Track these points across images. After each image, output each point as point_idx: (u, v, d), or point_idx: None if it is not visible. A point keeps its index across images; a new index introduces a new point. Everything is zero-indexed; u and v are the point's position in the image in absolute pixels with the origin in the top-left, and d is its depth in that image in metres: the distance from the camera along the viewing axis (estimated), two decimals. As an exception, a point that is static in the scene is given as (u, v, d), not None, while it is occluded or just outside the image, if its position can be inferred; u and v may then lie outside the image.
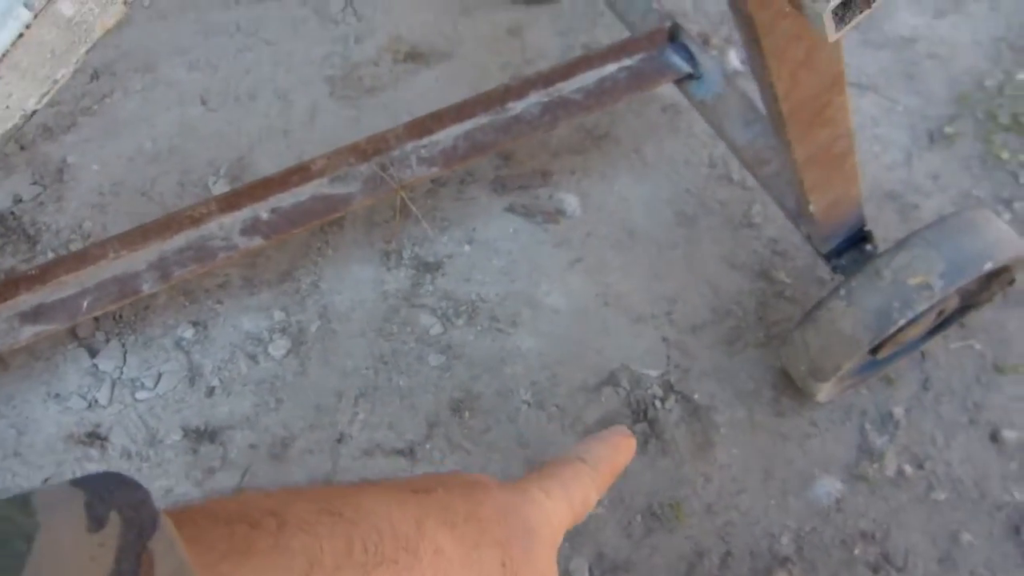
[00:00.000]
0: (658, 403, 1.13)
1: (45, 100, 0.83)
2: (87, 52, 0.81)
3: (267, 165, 1.34)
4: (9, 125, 0.82)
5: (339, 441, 1.09)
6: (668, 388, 1.14)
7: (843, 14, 0.48)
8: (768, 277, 1.25)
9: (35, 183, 1.31)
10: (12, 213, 1.28)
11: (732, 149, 1.19)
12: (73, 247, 1.26)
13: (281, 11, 1.56)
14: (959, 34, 1.59)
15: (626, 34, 1.45)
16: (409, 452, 1.08)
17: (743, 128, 1.15)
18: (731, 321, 1.21)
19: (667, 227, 1.31)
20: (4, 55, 0.76)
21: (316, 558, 0.23)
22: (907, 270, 0.93)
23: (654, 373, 1.15)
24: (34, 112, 0.84)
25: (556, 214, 1.31)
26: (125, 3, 0.78)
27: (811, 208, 0.94)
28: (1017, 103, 1.47)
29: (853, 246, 1.07)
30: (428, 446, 1.09)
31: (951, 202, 1.35)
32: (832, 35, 0.48)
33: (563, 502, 0.36)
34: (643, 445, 1.09)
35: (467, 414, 1.11)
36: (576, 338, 1.18)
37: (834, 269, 1.08)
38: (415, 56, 1.52)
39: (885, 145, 1.42)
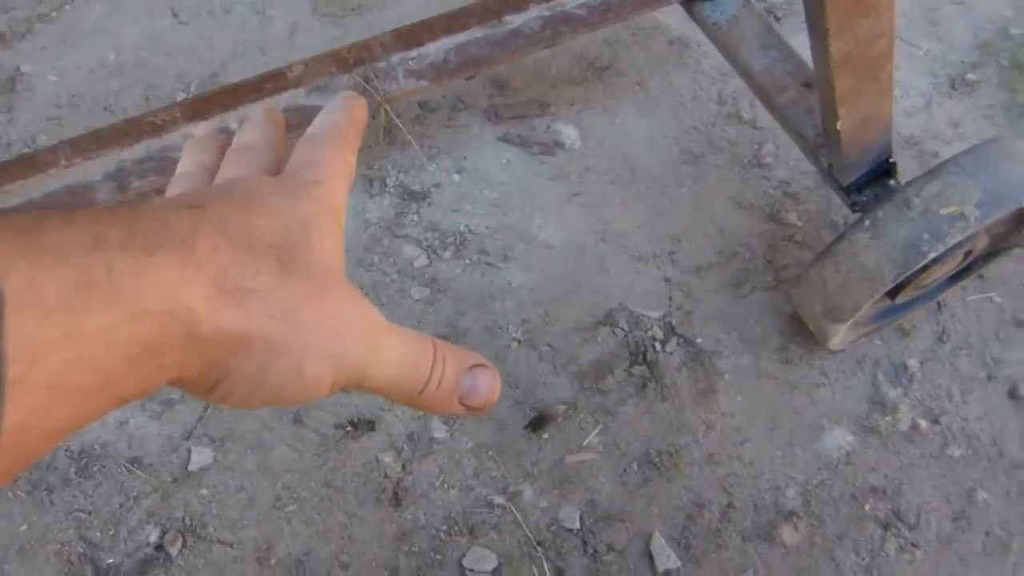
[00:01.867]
0: (658, 346, 1.05)
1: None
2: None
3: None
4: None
5: (311, 375, 1.01)
6: (669, 330, 1.06)
7: None
8: (778, 219, 1.17)
9: (-15, 92, 1.21)
10: (-42, 122, 1.18)
11: (745, 76, 1.10)
12: (25, 161, 1.16)
13: (261, -77, 1.45)
14: (983, -21, 1.52)
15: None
16: (387, 389, 1.00)
17: (759, 52, 1.06)
18: (738, 263, 1.13)
19: (672, 165, 1.23)
20: None
21: (101, 235, 0.24)
22: (940, 199, 0.85)
23: (655, 315, 1.07)
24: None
25: (553, 146, 1.23)
26: None
27: (839, 125, 0.86)
28: (1043, 51, 1.40)
29: (876, 180, 0.99)
30: (408, 383, 1.00)
31: (972, 150, 1.27)
32: None
33: (333, 181, 0.37)
34: (641, 389, 1.02)
35: (451, 351, 1.03)
36: (571, 276, 1.10)
37: (853, 206, 1.01)
38: (405, -25, 1.42)
39: (905, 90, 1.34)
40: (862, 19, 0.73)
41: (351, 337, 0.32)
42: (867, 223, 0.89)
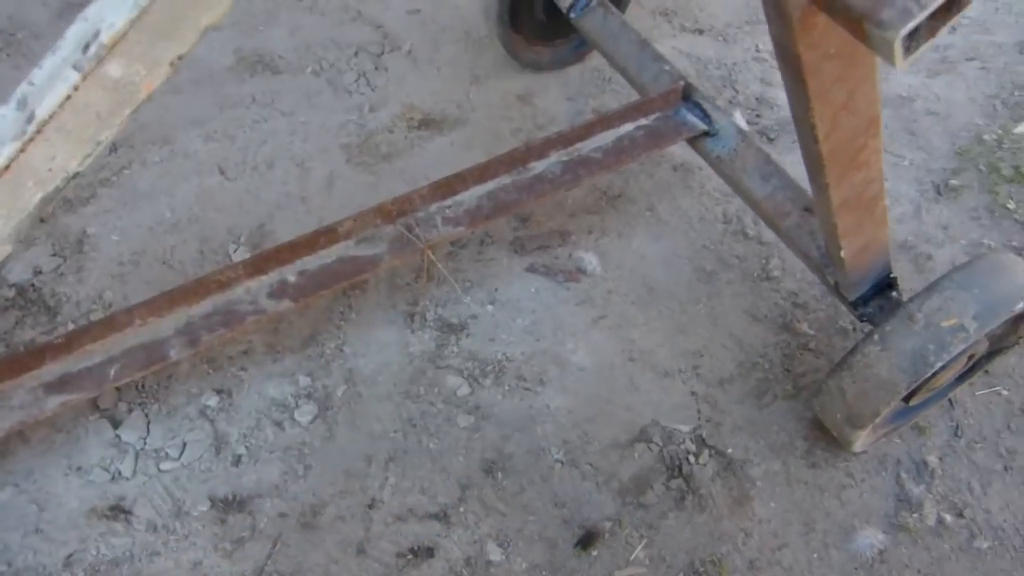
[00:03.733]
0: (692, 458, 1.11)
1: (88, 162, 0.83)
2: (131, 113, 0.82)
3: (287, 232, 1.35)
4: (51, 188, 0.82)
5: (370, 507, 1.06)
6: (701, 443, 1.13)
7: (908, 44, 0.49)
8: (791, 329, 1.25)
9: (55, 255, 1.30)
10: (32, 285, 1.27)
11: (750, 203, 1.20)
12: (94, 318, 1.24)
13: (296, 83, 1.59)
14: (954, 92, 1.64)
15: (636, 98, 1.48)
16: (443, 516, 1.05)
17: (761, 182, 1.16)
18: (758, 374, 1.20)
19: (687, 283, 1.31)
20: (51, 117, 0.76)
21: None
22: (940, 313, 0.93)
23: (685, 428, 1.14)
24: (76, 174, 0.84)
25: (576, 272, 1.32)
26: (171, 65, 0.79)
27: (842, 253, 0.94)
28: (1018, 155, 1.51)
29: (879, 293, 1.07)
30: (462, 509, 1.06)
31: (963, 251, 1.36)
32: (901, 63, 0.49)
33: None
34: (680, 501, 1.07)
35: (500, 475, 1.09)
36: (604, 395, 1.17)
37: (860, 317, 1.08)
38: (429, 123, 1.54)
39: (895, 198, 1.44)
40: (856, 172, 0.82)
41: None
42: (877, 337, 0.96)
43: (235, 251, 1.32)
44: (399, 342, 1.22)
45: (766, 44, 1.79)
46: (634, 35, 1.37)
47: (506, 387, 1.17)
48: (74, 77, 0.74)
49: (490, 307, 1.26)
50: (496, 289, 1.29)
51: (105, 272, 1.29)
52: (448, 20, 1.75)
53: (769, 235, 1.37)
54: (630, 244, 1.36)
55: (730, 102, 1.64)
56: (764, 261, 1.34)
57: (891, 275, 1.06)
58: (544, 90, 1.63)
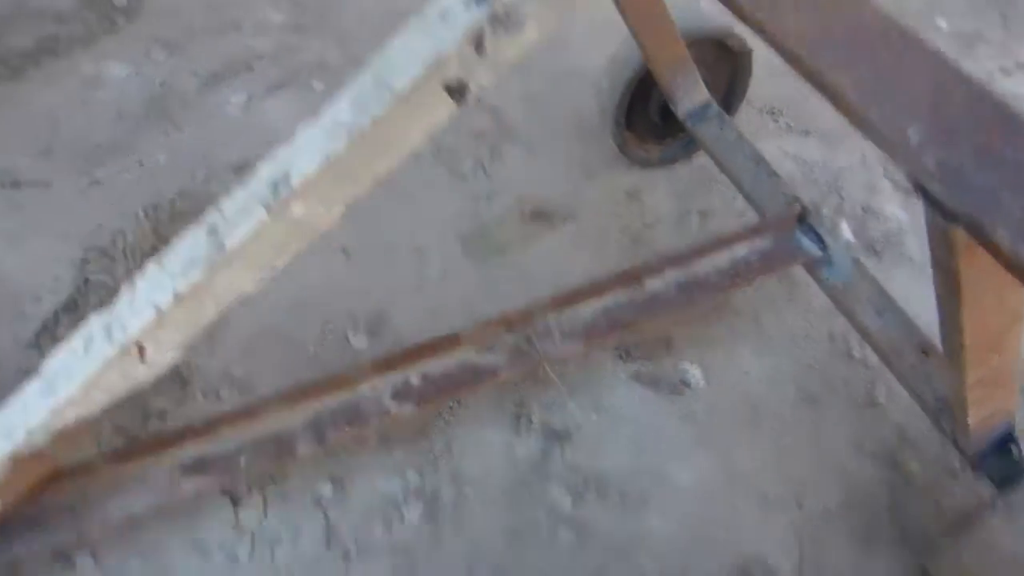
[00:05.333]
0: (793, 599, 1.08)
1: (260, 285, 0.87)
2: (305, 244, 0.85)
3: (403, 320, 1.37)
4: (224, 306, 0.86)
5: (472, 617, 1.07)
6: (802, 582, 1.10)
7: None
8: (897, 466, 1.21)
9: (189, 326, 1.36)
10: (167, 355, 1.32)
11: (862, 334, 1.17)
12: (223, 391, 1.28)
13: (415, 168, 1.62)
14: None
15: (740, 201, 1.47)
16: (542, 634, 1.05)
17: (875, 316, 1.13)
18: (863, 514, 1.16)
19: (791, 404, 1.29)
20: (238, 248, 0.80)
21: None
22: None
23: (787, 566, 1.11)
24: (246, 295, 0.88)
25: (680, 385, 1.30)
26: (347, 205, 0.82)
27: (969, 421, 0.92)
28: None
29: (999, 448, 1.04)
30: (561, 630, 1.06)
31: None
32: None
33: None
34: (780, 644, 1.05)
35: (600, 598, 1.08)
36: (705, 520, 1.15)
37: (976, 469, 1.05)
38: (541, 216, 1.56)
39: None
40: (994, 355, 0.80)
41: None
42: (1001, 506, 0.93)
43: (354, 335, 1.35)
44: (505, 445, 1.22)
45: (874, 150, 1.75)
46: (750, 149, 1.36)
47: (608, 504, 1.16)
48: (262, 214, 0.77)
49: (594, 416, 1.26)
50: (601, 396, 1.28)
51: (234, 346, 1.34)
52: (562, 110, 1.77)
53: (875, 358, 1.33)
54: (734, 358, 1.34)
55: (835, 210, 1.61)
56: (870, 386, 1.31)
57: (1014, 434, 1.02)
58: (652, 187, 1.63)
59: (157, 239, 1.51)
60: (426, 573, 1.09)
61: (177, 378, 1.29)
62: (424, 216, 1.53)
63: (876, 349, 1.16)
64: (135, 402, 1.27)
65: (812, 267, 1.23)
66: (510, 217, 1.54)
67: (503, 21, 0.60)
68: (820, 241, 1.23)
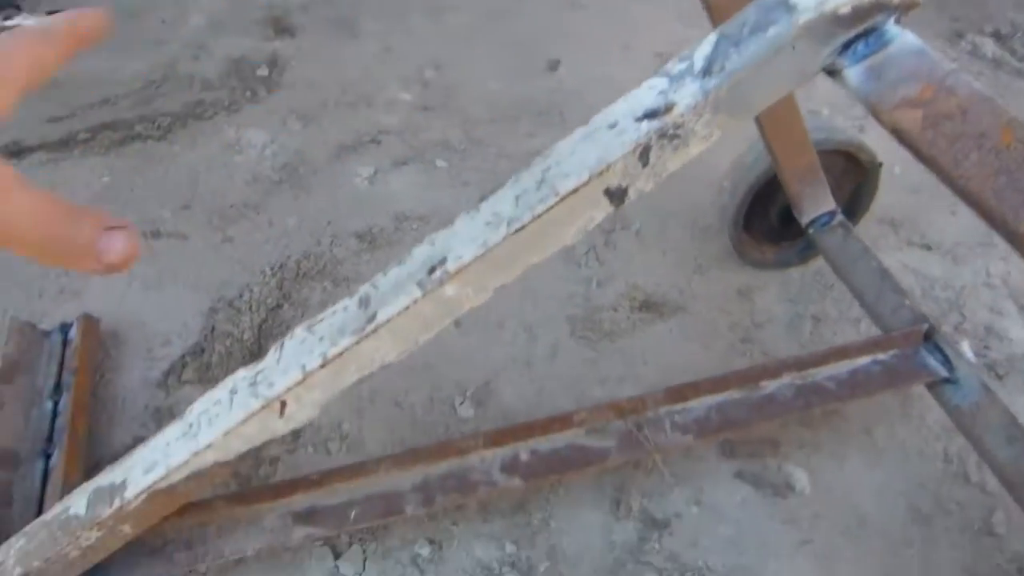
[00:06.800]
0: None
1: (403, 356, 0.96)
2: (450, 323, 0.95)
3: (509, 393, 1.46)
4: (365, 372, 0.96)
5: None
6: None
7: None
8: (1013, 597, 1.20)
9: (306, 380, 1.47)
10: (284, 406, 1.44)
11: (988, 461, 1.18)
12: (331, 444, 1.39)
13: (532, 249, 1.73)
14: None
15: (856, 309, 1.51)
16: None
17: (1005, 444, 1.15)
18: (973, 640, 1.16)
19: (900, 522, 1.30)
20: (388, 321, 0.91)
21: None
22: None
23: None
24: (388, 364, 0.98)
25: (785, 488, 1.33)
26: (495, 290, 0.92)
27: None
28: None
29: None
30: None
31: None
32: None
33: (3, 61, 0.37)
34: None
35: None
36: (806, 629, 1.17)
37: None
38: (650, 306, 1.64)
39: None
40: None
41: None
42: None
43: (460, 404, 1.45)
44: (603, 527, 1.28)
45: (998, 269, 1.77)
46: (875, 263, 1.41)
47: (705, 599, 1.20)
48: (416, 292, 0.88)
49: (695, 508, 1.30)
50: (702, 490, 1.33)
51: (345, 405, 1.45)
52: (677, 205, 1.87)
53: (994, 484, 1.33)
54: (842, 467, 1.37)
55: (956, 328, 1.63)
56: (987, 513, 1.31)
57: None
58: (764, 287, 1.69)
59: (281, 295, 1.65)
60: (518, 646, 1.14)
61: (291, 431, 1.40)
62: (535, 296, 1.63)
63: (1002, 477, 1.17)
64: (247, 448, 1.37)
65: (935, 387, 1.26)
66: (620, 304, 1.62)
67: (670, 137, 0.70)
68: (947, 361, 1.25)
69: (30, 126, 2.09)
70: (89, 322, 1.51)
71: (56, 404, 1.38)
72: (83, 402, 1.39)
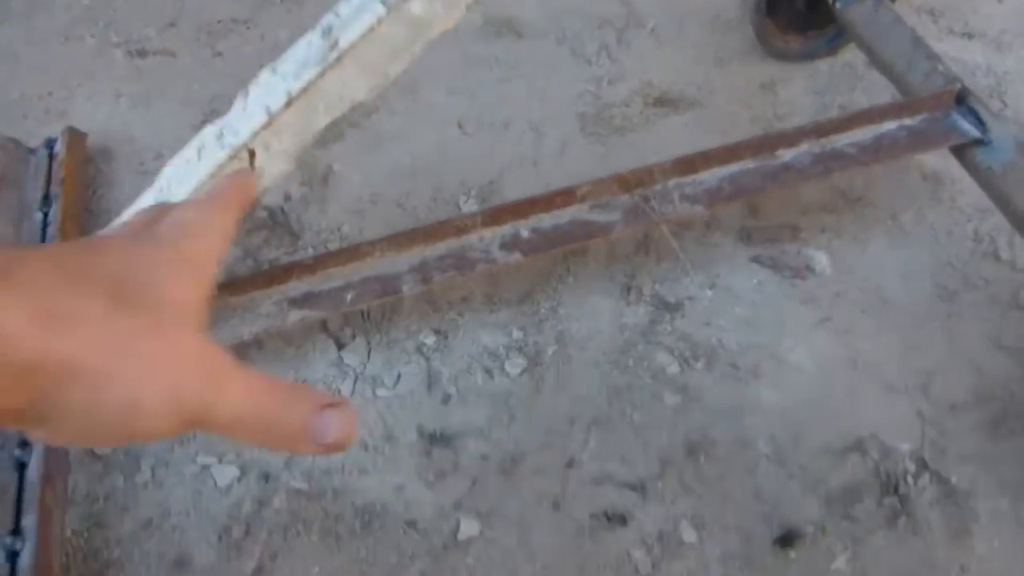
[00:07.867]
0: (910, 479, 1.09)
1: (373, 94, 0.93)
2: (420, 50, 0.91)
3: (516, 192, 1.43)
4: (337, 114, 0.94)
5: (569, 466, 1.13)
6: (922, 465, 1.10)
7: None
8: (1040, 364, 1.19)
9: (303, 184, 1.46)
10: (282, 209, 1.43)
11: (1019, 225, 1.15)
12: (331, 246, 1.39)
13: (539, 49, 1.67)
14: None
15: (891, 99, 1.45)
16: (640, 487, 1.10)
17: (1038, 202, 1.11)
18: (996, 406, 1.15)
19: (925, 299, 1.28)
20: (351, 47, 0.87)
21: None
22: None
23: (906, 447, 1.12)
24: (360, 103, 0.95)
25: (804, 270, 1.31)
26: (467, 7, 0.88)
27: None
28: None
29: None
30: (660, 484, 1.10)
31: None
32: None
33: (199, 238, 0.39)
34: (892, 520, 1.06)
35: (702, 458, 1.12)
36: (821, 399, 1.17)
37: None
38: (665, 102, 1.58)
39: None
40: None
41: (189, 370, 0.33)
42: None
43: (465, 202, 1.43)
44: (613, 312, 1.28)
45: (1047, 56, 1.69)
46: (908, 31, 1.34)
47: (717, 373, 1.20)
48: (380, 11, 0.84)
49: (709, 291, 1.29)
50: (717, 275, 1.31)
51: (345, 207, 1.44)
52: (696, 3, 1.78)
53: (1026, 261, 1.30)
54: (866, 250, 1.34)
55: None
56: (1016, 288, 1.28)
57: None
58: (788, 80, 1.63)
59: (276, 106, 1.62)
60: (525, 420, 1.16)
61: (288, 232, 1.40)
62: (543, 96, 1.59)
63: (1030, 237, 1.13)
64: (247, 251, 1.38)
65: (966, 152, 1.21)
66: (633, 101, 1.57)
67: None
68: (980, 123, 1.20)
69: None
70: (75, 135, 1.50)
71: (46, 215, 1.38)
72: (72, 211, 1.39)
